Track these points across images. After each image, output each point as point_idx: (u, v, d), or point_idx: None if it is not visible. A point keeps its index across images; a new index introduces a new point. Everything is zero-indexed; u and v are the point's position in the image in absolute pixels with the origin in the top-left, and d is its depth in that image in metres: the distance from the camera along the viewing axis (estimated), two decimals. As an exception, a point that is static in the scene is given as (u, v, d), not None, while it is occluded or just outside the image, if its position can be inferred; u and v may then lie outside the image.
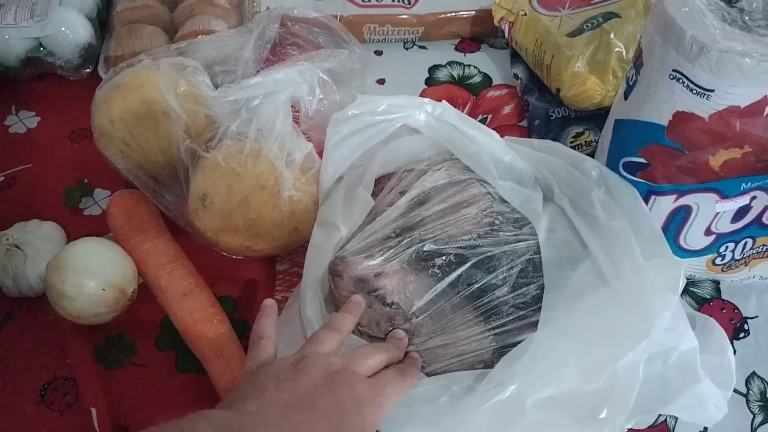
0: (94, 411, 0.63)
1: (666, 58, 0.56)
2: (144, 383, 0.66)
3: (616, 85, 0.75)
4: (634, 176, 0.64)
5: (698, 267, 0.69)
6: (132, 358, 0.67)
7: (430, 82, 0.90)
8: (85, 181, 0.79)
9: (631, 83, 0.62)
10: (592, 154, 0.76)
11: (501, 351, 0.59)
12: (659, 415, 0.65)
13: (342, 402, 0.49)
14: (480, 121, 0.85)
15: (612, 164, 0.66)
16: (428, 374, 0.60)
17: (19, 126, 0.86)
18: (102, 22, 0.92)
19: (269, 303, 0.60)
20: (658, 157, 0.62)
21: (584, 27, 0.76)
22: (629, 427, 0.61)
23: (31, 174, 0.81)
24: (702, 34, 0.53)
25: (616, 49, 0.74)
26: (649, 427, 0.64)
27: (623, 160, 0.65)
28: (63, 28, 0.85)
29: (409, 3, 0.93)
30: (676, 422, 0.65)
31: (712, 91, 0.54)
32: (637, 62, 0.60)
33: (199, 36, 0.85)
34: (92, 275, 0.64)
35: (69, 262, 0.64)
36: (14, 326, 0.69)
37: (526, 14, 0.83)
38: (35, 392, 0.65)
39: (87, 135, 0.83)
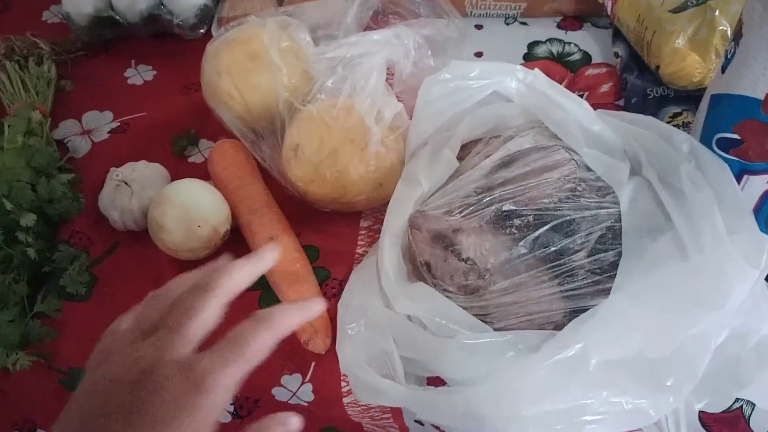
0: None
1: (765, 28, 0.54)
2: (227, 316, 0.69)
3: (718, 63, 0.73)
4: (727, 153, 0.62)
5: (792, 256, 0.67)
6: (219, 293, 0.71)
7: (528, 57, 0.90)
8: (192, 131, 0.84)
9: (729, 56, 0.60)
10: (688, 135, 0.74)
11: (572, 315, 0.59)
12: (735, 401, 0.63)
13: (154, 416, 0.38)
14: (575, 97, 0.84)
15: (705, 140, 0.64)
16: (497, 330, 0.60)
17: (137, 78, 0.93)
18: (218, -14, 0.97)
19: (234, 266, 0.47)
20: (753, 134, 0.60)
21: (688, 3, 0.75)
22: (700, 407, 0.60)
23: (144, 121, 0.87)
24: (805, 3, 0.52)
25: (720, 27, 0.72)
26: (723, 412, 0.62)
27: (717, 136, 0.63)
28: (182, -11, 0.91)
29: (513, -22, 0.93)
30: (752, 410, 0.63)
31: (812, 63, 0.53)
32: (737, 35, 0.59)
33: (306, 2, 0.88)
34: (190, 212, 0.69)
35: (170, 198, 0.69)
36: (118, 256, 0.75)
37: (629, -10, 0.82)
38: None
39: (197, 89, 0.88)
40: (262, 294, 0.71)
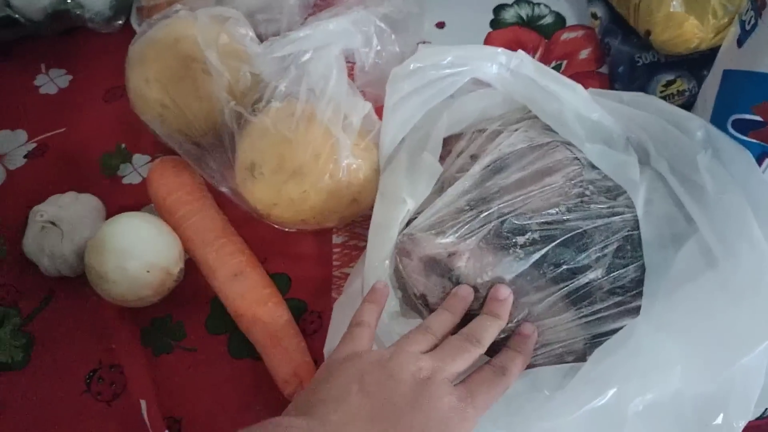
0: (143, 403, 0.58)
1: (800, -2, 0.47)
2: (195, 370, 0.61)
3: (716, 26, 0.65)
4: (746, 136, 0.55)
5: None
6: (181, 342, 0.62)
7: (495, 24, 0.81)
8: (123, 146, 0.73)
9: (747, 28, 0.52)
10: (684, 106, 0.67)
11: (593, 341, 0.52)
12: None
13: (428, 418, 0.43)
14: (554, 68, 0.75)
15: (718, 122, 0.57)
16: (510, 367, 0.53)
17: (50, 86, 0.79)
18: (132, -33, 0.83)
19: (379, 286, 0.53)
20: (778, 115, 0.53)
21: (681, -41, 0.66)
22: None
23: (65, 139, 0.75)
24: None
25: (719, -15, 0.64)
26: (756, 419, 0.57)
27: (733, 117, 0.56)
28: (90, -24, 0.77)
29: (470, -69, 0.82)
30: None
31: None
32: (759, 4, 0.50)
33: (239, -20, 0.76)
34: (135, 256, 0.59)
35: (109, 243, 0.59)
36: (54, 309, 0.64)
37: (609, -57, 0.72)
38: (80, 381, 0.61)
39: (122, 94, 0.76)
40: (231, 337, 0.62)
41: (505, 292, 0.52)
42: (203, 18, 0.64)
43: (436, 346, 0.49)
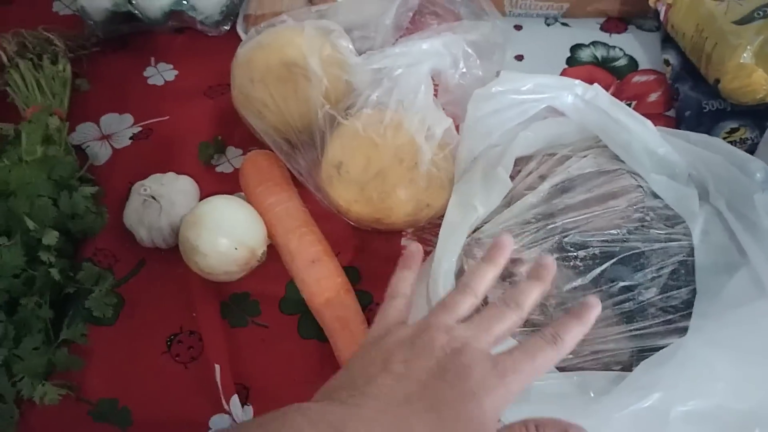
0: (218, 368, 0.63)
1: None
2: (266, 345, 0.66)
3: (785, 81, 0.69)
4: (804, 182, 0.59)
5: None
6: (256, 318, 0.68)
7: (571, 61, 0.86)
8: (219, 137, 0.80)
9: (814, 81, 0.56)
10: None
11: (639, 354, 0.56)
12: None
13: (458, 390, 0.41)
14: (623, 107, 0.80)
15: (778, 166, 0.61)
16: (560, 369, 0.57)
17: (158, 78, 0.87)
18: (244, -20, 0.91)
19: (413, 249, 0.53)
20: (837, 165, 0.56)
21: (755, 15, 0.70)
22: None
23: (168, 126, 0.82)
24: None
25: (789, 41, 0.68)
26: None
27: (793, 164, 0.60)
28: (207, -16, 0.85)
29: (557, -23, 0.88)
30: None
31: None
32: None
33: (339, -1, 0.83)
34: (226, 233, 0.64)
35: (204, 219, 0.65)
36: (145, 275, 0.71)
37: (687, -4, 0.77)
38: (162, 342, 0.66)
39: (222, 92, 0.84)
40: (301, 319, 0.67)
41: (550, 260, 0.49)
42: (310, 29, 0.71)
43: (476, 307, 0.48)
